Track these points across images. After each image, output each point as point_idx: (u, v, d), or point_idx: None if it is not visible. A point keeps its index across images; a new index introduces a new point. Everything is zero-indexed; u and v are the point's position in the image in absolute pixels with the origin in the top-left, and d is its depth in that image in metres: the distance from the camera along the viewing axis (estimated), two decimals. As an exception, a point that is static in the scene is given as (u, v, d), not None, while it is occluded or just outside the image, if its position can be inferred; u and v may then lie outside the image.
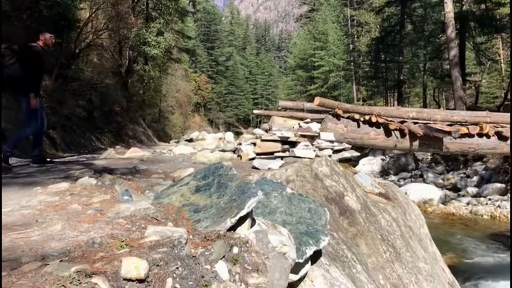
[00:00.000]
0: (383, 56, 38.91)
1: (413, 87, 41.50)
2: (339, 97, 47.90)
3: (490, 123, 5.21)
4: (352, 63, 45.41)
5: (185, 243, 1.82)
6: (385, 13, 36.65)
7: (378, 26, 40.21)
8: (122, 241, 1.75)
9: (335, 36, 47.01)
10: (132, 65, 22.07)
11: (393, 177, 18.44)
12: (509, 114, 5.92)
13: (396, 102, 37.09)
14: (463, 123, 5.13)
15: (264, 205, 2.98)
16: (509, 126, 5.35)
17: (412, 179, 17.58)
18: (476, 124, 5.16)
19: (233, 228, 2.20)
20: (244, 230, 2.25)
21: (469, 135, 5.06)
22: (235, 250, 1.91)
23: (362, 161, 20.75)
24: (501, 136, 5.17)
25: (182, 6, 26.90)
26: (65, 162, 6.03)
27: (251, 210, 2.32)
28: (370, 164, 20.91)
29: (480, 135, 5.13)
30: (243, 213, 2.21)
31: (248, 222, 2.31)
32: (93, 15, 16.23)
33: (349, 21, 45.62)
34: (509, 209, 12.07)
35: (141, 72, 23.10)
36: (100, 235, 1.83)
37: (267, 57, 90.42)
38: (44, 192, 2.97)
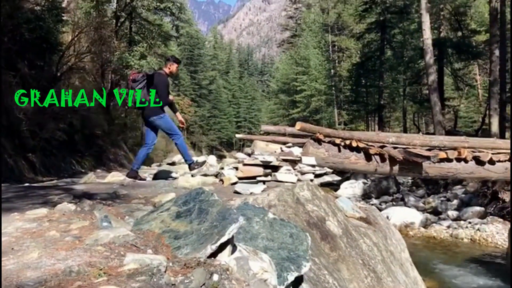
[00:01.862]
0: (363, 81, 39.59)
1: (393, 112, 42.18)
2: (321, 121, 48.39)
3: (468, 148, 5.31)
4: (333, 88, 46.05)
5: (165, 271, 1.80)
6: (366, 39, 37.45)
7: (359, 52, 41.02)
8: (100, 269, 1.73)
9: (316, 61, 47.74)
10: (115, 89, 22.02)
11: (374, 201, 18.54)
12: (486, 139, 6.05)
13: (377, 126, 37.60)
14: (442, 148, 5.23)
15: (246, 230, 2.97)
16: (486, 151, 5.45)
17: (394, 203, 17.69)
18: (454, 149, 5.26)
19: (214, 254, 2.18)
20: (225, 257, 2.24)
21: (448, 160, 5.15)
22: (215, 277, 1.89)
23: (344, 185, 20.91)
24: (478, 161, 5.28)
25: (166, 31, 27.08)
26: (44, 186, 5.92)
27: (232, 236, 2.31)
28: (352, 188, 20.99)
29: (458, 159, 5.22)
30: (224, 239, 2.20)
31: (229, 248, 2.30)
32: (75, 39, 16.23)
33: (330, 47, 46.43)
34: (488, 232, 12.20)
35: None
36: (77, 263, 1.80)
37: (250, 81, 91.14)
38: (21, 218, 2.91)
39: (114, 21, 21.63)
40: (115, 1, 21.61)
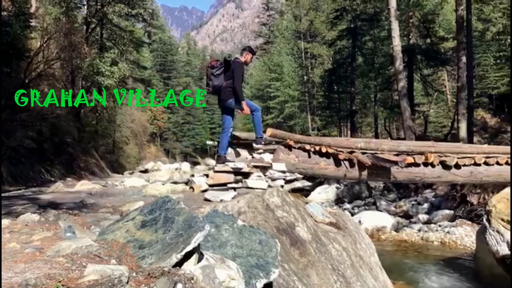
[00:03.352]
0: (336, 87, 40.04)
1: (365, 117, 42.79)
2: (295, 127, 48.70)
3: (434, 152, 5.42)
4: (306, 94, 46.44)
5: (127, 282, 1.77)
6: (337, 46, 37.94)
7: (331, 58, 41.51)
8: (59, 282, 1.68)
9: (289, 68, 48.11)
10: (85, 95, 21.65)
11: (347, 205, 18.70)
12: (452, 143, 6.20)
13: (349, 132, 38.08)
14: (409, 153, 5.32)
15: (215, 238, 2.96)
16: (452, 155, 5.57)
17: (366, 207, 17.87)
18: (421, 153, 5.36)
19: (179, 263, 2.16)
20: (190, 266, 2.22)
21: (415, 164, 5.25)
22: (179, 287, 1.87)
23: (318, 190, 21.06)
24: (445, 165, 5.39)
25: (137, 37, 26.82)
26: (10, 196, 5.76)
27: (198, 245, 2.29)
28: (325, 193, 21.16)
29: (425, 164, 5.32)
30: (189, 248, 2.18)
31: (195, 257, 2.28)
32: (44, 45, 15.90)
33: (303, 53, 46.84)
34: (457, 235, 12.46)
35: (94, 102, 22.68)
36: (36, 276, 1.76)
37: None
38: (-19, 230, 2.82)
39: (85, 27, 21.32)
40: (86, 7, 21.31)
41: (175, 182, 5.31)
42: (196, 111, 67.83)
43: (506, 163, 5.64)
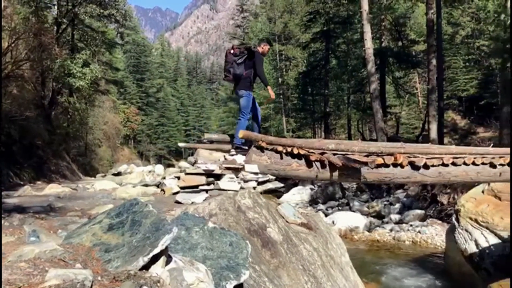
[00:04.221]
0: (310, 89, 40.37)
1: (338, 119, 43.28)
2: (270, 129, 48.84)
3: (404, 153, 5.51)
4: (281, 96, 46.64)
5: (90, 286, 1.74)
6: (311, 49, 38.27)
7: (305, 61, 41.85)
8: (19, 287, 1.64)
9: (264, 70, 48.23)
10: (56, 97, 21.17)
11: (321, 206, 18.87)
12: (421, 144, 6.33)
13: (323, 133, 38.43)
14: (379, 154, 5.40)
15: (185, 240, 2.94)
16: (421, 156, 5.68)
17: (339, 208, 18.09)
18: (391, 154, 5.44)
19: (146, 267, 2.14)
20: (158, 269, 2.20)
21: (385, 165, 5.31)
22: (145, 290, 1.85)
23: (292, 191, 21.17)
24: (414, 166, 5.48)
25: (110, 38, 26.47)
26: (-26, 201, 5.60)
27: (166, 247, 2.27)
28: (300, 194, 21.30)
29: (395, 165, 5.40)
30: (156, 251, 2.16)
31: (162, 259, 2.26)
32: (12, 45, 15.51)
33: (277, 56, 47.05)
34: (428, 234, 12.73)
35: (65, 104, 22.23)
36: (-5, 282, 1.71)
37: (199, 89, 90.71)
38: None
39: (55, 27, 20.86)
40: (56, 7, 20.88)
41: (146, 185, 5.26)
42: (170, 112, 67.34)
43: (473, 163, 5.78)
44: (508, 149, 6.33)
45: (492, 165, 6.04)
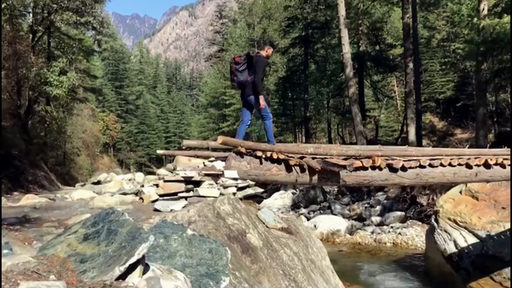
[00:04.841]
0: (290, 94, 40.55)
1: (319, 123, 43.52)
2: (251, 134, 48.87)
3: (381, 156, 5.57)
4: (262, 101, 46.74)
5: (64, 298, 1.71)
6: (290, 54, 38.48)
7: (284, 66, 42.02)
8: (-10, 302, 1.60)
9: (244, 75, 48.33)
10: (33, 106, 20.83)
11: (303, 210, 18.93)
12: (398, 147, 6.41)
13: (304, 138, 38.62)
14: (357, 157, 5.45)
15: (164, 249, 2.91)
16: (398, 158, 5.75)
17: (321, 211, 18.17)
18: (369, 157, 5.50)
19: (123, 276, 2.11)
20: (135, 278, 2.17)
21: (363, 168, 5.36)
22: (120, 300, 1.83)
23: (274, 196, 21.18)
24: (392, 168, 5.55)
25: (87, 45, 26.15)
26: None
27: (143, 256, 2.25)
28: (282, 198, 21.34)
29: (373, 167, 5.46)
30: (133, 260, 2.13)
31: (139, 269, 2.23)
32: (-14, 54, 15.23)
33: (257, 61, 47.15)
34: (408, 236, 12.89)
35: (42, 113, 21.88)
36: (-36, 297, 1.66)
37: (179, 95, 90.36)
38: None
39: (31, 35, 20.56)
40: (31, 15, 20.56)
41: (125, 193, 5.20)
42: (150, 120, 66.83)
43: (449, 164, 5.88)
44: (482, 150, 6.46)
45: (468, 166, 6.16)
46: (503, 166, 6.40)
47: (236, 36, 54.76)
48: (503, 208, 9.23)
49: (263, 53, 6.62)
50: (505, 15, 14.50)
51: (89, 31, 25.36)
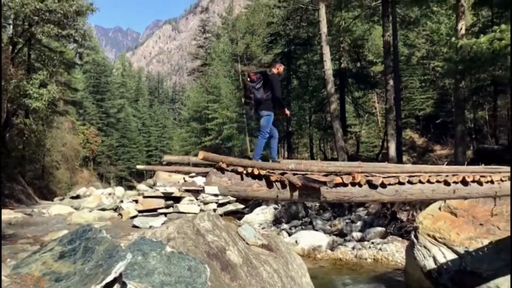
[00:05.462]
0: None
1: (301, 138, 43.73)
2: (233, 148, 48.88)
3: (361, 172, 5.59)
4: (244, 116, 46.87)
5: (37, 319, 1.67)
6: (273, 69, 38.69)
7: (267, 81, 42.21)
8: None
9: (227, 90, 48.49)
10: (11, 119, 20.50)
11: (285, 225, 18.84)
12: (378, 163, 6.47)
13: (286, 153, 38.73)
14: (338, 173, 5.46)
15: (142, 266, 2.87)
16: (378, 175, 5.79)
17: (303, 227, 18.11)
18: (349, 173, 5.52)
19: (99, 295, 2.07)
20: (111, 297, 2.13)
21: (343, 184, 5.37)
22: (95, 321, 1.79)
23: (256, 211, 21.11)
24: (371, 185, 5.57)
25: (69, 58, 25.97)
26: None
27: (120, 274, 2.22)
28: (263, 214, 21.22)
29: (353, 184, 5.47)
30: (109, 278, 2.10)
31: (117, 287, 2.20)
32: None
33: (240, 76, 47.42)
34: (388, 252, 12.93)
35: (21, 125, 21.55)
36: None
37: (161, 109, 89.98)
38: None
39: (10, 47, 20.33)
40: (11, 27, 20.36)
41: (103, 209, 5.13)
42: (131, 133, 66.25)
43: (428, 181, 5.95)
44: (460, 167, 6.55)
45: (446, 183, 6.23)
46: (480, 183, 6.50)
47: (219, 51, 55.05)
48: (481, 224, 9.36)
49: (274, 70, 6.82)
50: (482, 35, 14.86)
51: (71, 43, 25.19)
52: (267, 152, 7.21)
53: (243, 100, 7.25)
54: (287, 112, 6.99)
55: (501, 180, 6.85)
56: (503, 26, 13.60)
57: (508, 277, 6.99)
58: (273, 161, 6.60)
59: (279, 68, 6.88)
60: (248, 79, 6.74)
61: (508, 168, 7.85)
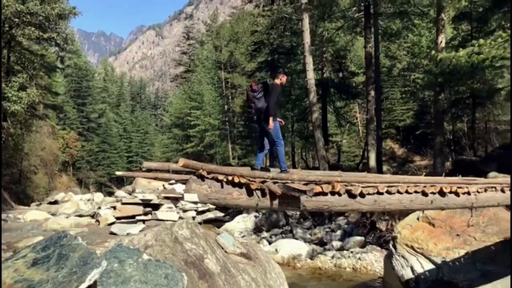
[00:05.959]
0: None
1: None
2: (215, 156, 48.71)
3: (341, 182, 5.66)
4: (227, 123, 46.84)
5: (6, 328, 1.64)
6: (256, 77, 38.81)
7: (250, 89, 42.32)
8: None
9: (210, 97, 48.41)
10: (-10, 122, 20.14)
11: (265, 234, 18.87)
12: (358, 173, 6.53)
13: (268, 161, 38.71)
14: (318, 182, 5.51)
15: (118, 274, 2.84)
16: (357, 184, 5.85)
17: (283, 235, 18.16)
18: (329, 183, 5.57)
19: (72, 303, 2.04)
20: (85, 305, 2.10)
21: (323, 194, 5.43)
22: (67, 330, 1.76)
23: (237, 219, 21.05)
24: (350, 194, 5.64)
25: (50, 61, 25.62)
26: None
27: (95, 282, 2.19)
28: (244, 222, 21.22)
29: (332, 193, 5.53)
30: (83, 286, 2.07)
31: (91, 295, 2.17)
32: None
33: (223, 83, 47.42)
34: (367, 261, 13.03)
35: (-3, 128, 21.16)
36: None
37: (143, 114, 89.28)
38: None
39: (-11, 49, 20.01)
40: (-9, 28, 20.05)
41: (81, 215, 5.06)
42: (112, 138, 65.50)
43: (406, 191, 6.04)
44: (438, 178, 6.67)
45: (424, 194, 6.34)
46: (457, 194, 6.62)
47: (203, 58, 55.01)
48: (458, 235, 9.51)
49: (277, 81, 6.99)
50: (461, 49, 15.18)
51: (52, 47, 24.91)
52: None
53: (246, 107, 7.38)
54: (271, 124, 6.75)
55: (478, 192, 6.99)
56: (481, 41, 13.92)
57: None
58: (282, 170, 6.67)
59: (282, 79, 7.07)
60: (250, 89, 6.96)
61: (484, 180, 8.01)
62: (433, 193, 6.37)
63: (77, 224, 4.55)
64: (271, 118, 6.70)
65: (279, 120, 7.07)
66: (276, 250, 14.55)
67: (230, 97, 47.39)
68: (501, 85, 22.78)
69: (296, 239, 16.65)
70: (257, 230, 20.04)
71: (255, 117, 7.13)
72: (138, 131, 77.73)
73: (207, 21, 63.24)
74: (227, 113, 46.80)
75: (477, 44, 13.83)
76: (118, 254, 3.04)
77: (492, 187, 7.19)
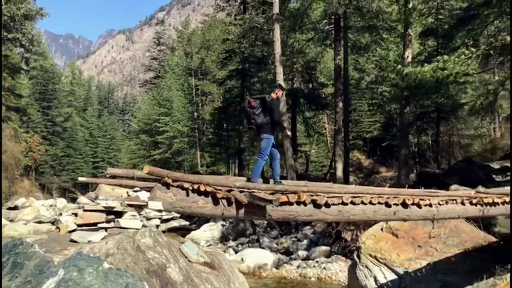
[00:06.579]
0: (225, 125, 40.79)
1: (253, 155, 43.85)
2: (183, 163, 48.32)
3: (307, 192, 5.70)
4: (196, 130, 46.57)
5: None
6: (227, 85, 38.89)
7: (221, 97, 42.30)
8: None
9: (179, 103, 48.06)
10: None
11: (232, 243, 18.77)
12: (323, 183, 6.61)
13: (237, 169, 38.74)
14: (284, 192, 5.53)
15: (76, 283, 2.77)
16: (323, 195, 5.91)
17: (250, 244, 18.12)
18: (295, 193, 5.60)
19: (25, 314, 1.97)
20: (38, 316, 2.04)
21: (289, 203, 5.45)
22: None
23: (203, 227, 20.88)
24: (316, 204, 5.68)
25: (14, 62, 24.95)
26: None
27: (50, 292, 2.12)
28: (211, 230, 21.05)
29: (298, 203, 5.56)
30: (38, 296, 2.01)
31: (45, 305, 2.10)
32: None
33: (193, 90, 47.19)
34: (332, 271, 13.13)
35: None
36: None
37: (110, 119, 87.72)
38: None
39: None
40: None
41: (40, 222, 4.91)
42: (77, 143, 63.99)
43: (370, 202, 6.14)
44: (401, 190, 6.81)
45: (387, 205, 6.45)
46: (419, 206, 6.76)
47: (173, 64, 54.66)
48: (420, 246, 9.72)
49: (273, 95, 7.24)
50: (426, 64, 15.62)
51: (17, 48, 24.27)
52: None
53: (245, 123, 7.61)
54: (289, 133, 7.83)
55: (439, 204, 7.17)
56: (445, 57, 14.35)
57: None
58: (275, 182, 6.96)
59: (277, 93, 7.33)
60: (248, 106, 7.14)
61: (446, 192, 8.23)
62: (396, 204, 6.48)
63: (36, 231, 4.42)
64: (287, 130, 7.84)
65: (288, 133, 8.39)
66: (242, 259, 14.50)
67: (200, 104, 47.17)
68: (464, 100, 23.57)
69: (263, 248, 16.64)
70: (223, 239, 19.92)
71: (254, 131, 7.39)
72: (105, 136, 76.24)
73: (178, 27, 63.02)
74: (197, 120, 46.54)
75: (441, 60, 14.26)
76: (77, 262, 2.98)
77: (453, 200, 7.38)
